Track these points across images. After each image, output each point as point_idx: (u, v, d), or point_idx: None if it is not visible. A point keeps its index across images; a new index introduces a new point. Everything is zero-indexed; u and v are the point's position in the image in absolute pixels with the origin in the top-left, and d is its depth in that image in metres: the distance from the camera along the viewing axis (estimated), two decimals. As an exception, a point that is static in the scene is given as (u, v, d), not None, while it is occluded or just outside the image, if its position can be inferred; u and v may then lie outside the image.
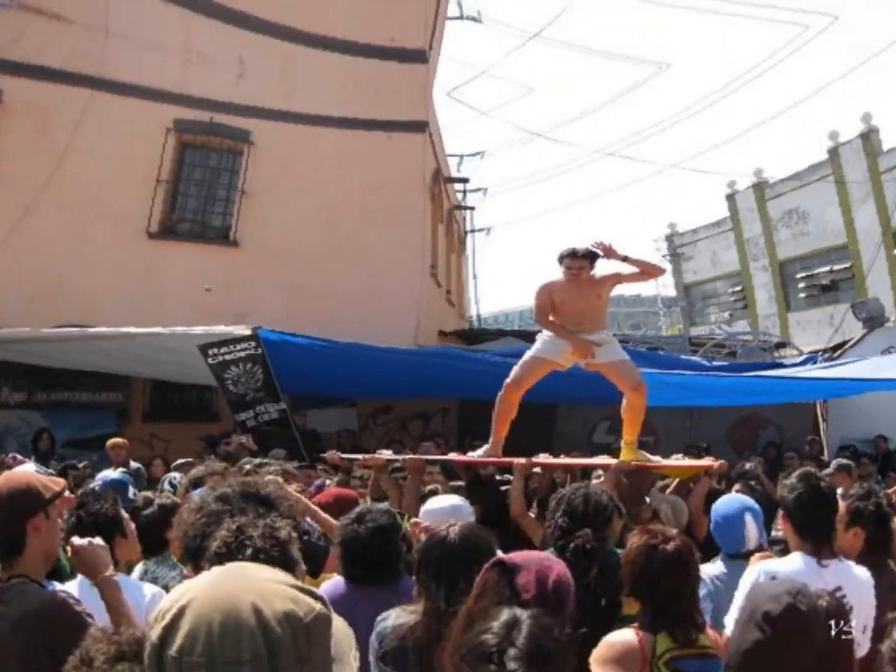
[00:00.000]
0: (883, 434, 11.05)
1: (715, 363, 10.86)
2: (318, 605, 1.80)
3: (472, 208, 18.41)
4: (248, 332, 7.81)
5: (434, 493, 4.26)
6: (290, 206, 11.89)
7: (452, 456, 5.37)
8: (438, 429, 11.41)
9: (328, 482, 5.36)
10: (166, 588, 3.02)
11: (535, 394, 5.22)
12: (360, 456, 5.25)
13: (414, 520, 3.42)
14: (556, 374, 5.34)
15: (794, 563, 3.00)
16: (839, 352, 12.22)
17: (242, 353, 7.84)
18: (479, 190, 18.50)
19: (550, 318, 5.19)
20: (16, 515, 2.42)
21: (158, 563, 3.53)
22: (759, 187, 24.84)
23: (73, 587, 2.77)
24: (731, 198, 26.03)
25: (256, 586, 1.85)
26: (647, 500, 4.43)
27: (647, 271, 5.13)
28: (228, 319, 9.37)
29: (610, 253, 4.99)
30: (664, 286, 29.13)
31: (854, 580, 2.98)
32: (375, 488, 4.76)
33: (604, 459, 4.99)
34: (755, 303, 25.42)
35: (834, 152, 22.53)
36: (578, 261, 4.99)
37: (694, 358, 11.31)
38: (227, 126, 12.24)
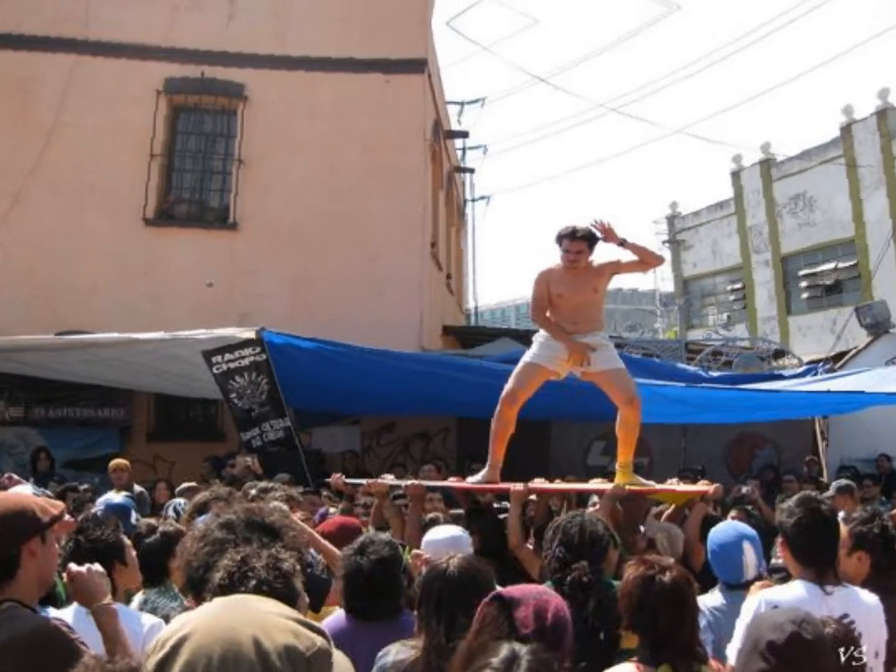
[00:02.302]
0: (886, 453, 10.48)
1: (711, 374, 10.54)
2: (319, 640, 1.82)
3: (473, 170, 17.83)
4: (252, 335, 7.78)
5: (435, 521, 4.28)
6: (288, 173, 11.62)
7: (451, 482, 5.34)
8: (439, 450, 11.25)
9: (332, 510, 5.37)
10: (166, 619, 2.95)
11: (529, 409, 5.18)
12: (363, 481, 5.23)
13: (415, 552, 3.44)
14: (551, 385, 5.29)
15: (797, 591, 2.88)
16: (841, 362, 11.66)
17: (247, 361, 7.76)
18: (479, 147, 18.13)
19: (547, 314, 5.17)
20: (9, 539, 2.34)
21: (159, 594, 3.44)
22: (766, 165, 24.16)
23: (67, 614, 2.68)
24: (736, 176, 25.38)
25: (258, 619, 1.86)
26: (643, 528, 4.39)
27: (646, 260, 5.04)
28: (232, 319, 9.29)
29: (609, 235, 4.94)
30: (662, 280, 28.71)
31: (862, 606, 2.87)
32: (378, 517, 4.78)
33: (599, 484, 4.93)
34: (755, 302, 24.75)
35: (847, 130, 21.73)
36: (577, 243, 4.94)
37: (690, 367, 10.99)
38: (220, 81, 11.96)
